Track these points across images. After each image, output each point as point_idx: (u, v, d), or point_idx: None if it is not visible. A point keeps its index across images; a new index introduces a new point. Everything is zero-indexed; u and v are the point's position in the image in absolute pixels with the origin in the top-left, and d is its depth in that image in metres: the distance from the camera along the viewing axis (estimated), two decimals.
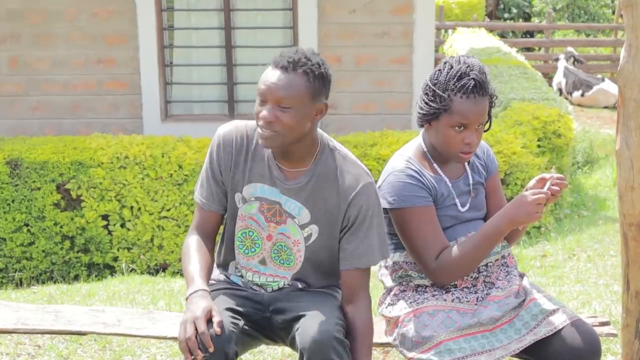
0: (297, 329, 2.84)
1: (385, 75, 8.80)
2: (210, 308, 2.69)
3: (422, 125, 3.04)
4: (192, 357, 2.63)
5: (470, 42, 12.96)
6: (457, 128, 2.91)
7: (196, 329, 2.62)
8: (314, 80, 2.83)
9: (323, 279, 3.11)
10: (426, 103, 2.94)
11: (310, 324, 2.77)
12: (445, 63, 2.94)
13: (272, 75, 2.84)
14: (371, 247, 2.95)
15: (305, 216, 2.99)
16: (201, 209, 3.06)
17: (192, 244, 2.98)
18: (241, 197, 3.02)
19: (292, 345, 2.98)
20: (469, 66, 2.89)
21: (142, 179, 7.86)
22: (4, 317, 3.47)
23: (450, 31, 16.43)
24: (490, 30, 16.62)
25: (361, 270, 2.97)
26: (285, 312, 2.99)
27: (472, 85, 2.87)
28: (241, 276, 3.12)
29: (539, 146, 8.20)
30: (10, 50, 8.92)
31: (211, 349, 2.61)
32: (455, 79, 2.87)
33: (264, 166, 3.00)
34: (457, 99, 2.87)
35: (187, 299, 2.76)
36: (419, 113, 2.98)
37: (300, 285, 3.09)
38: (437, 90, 2.90)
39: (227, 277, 3.17)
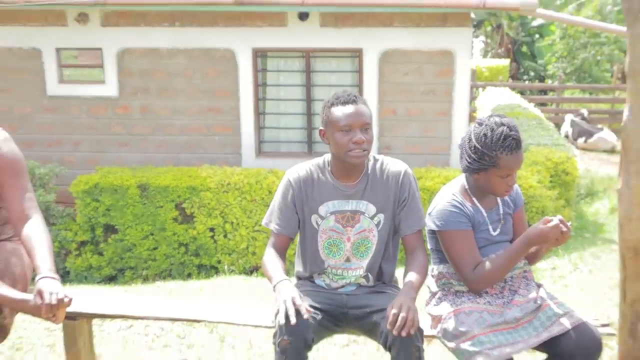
0: (383, 318, 2.82)
1: (429, 124, 8.78)
2: (297, 293, 2.73)
3: (468, 174, 3.04)
4: (284, 322, 2.64)
5: (496, 99, 12.84)
6: (502, 178, 2.93)
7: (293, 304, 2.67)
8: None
9: (387, 266, 3.15)
10: (475, 160, 2.90)
11: None
12: (486, 126, 2.90)
13: (349, 108, 2.91)
14: (420, 215, 3.07)
15: (372, 209, 3.04)
16: (276, 234, 3.09)
17: (271, 254, 3.03)
18: (318, 216, 3.05)
19: (369, 332, 3.00)
20: (508, 127, 2.86)
21: (241, 201, 7.94)
22: (139, 307, 3.55)
23: (481, 89, 16.32)
24: (513, 89, 16.44)
25: (418, 232, 3.06)
26: (363, 307, 3.00)
27: (514, 144, 2.86)
28: (323, 279, 3.14)
29: (550, 181, 8.11)
30: (141, 100, 9.13)
31: (306, 315, 2.65)
32: (500, 141, 2.84)
33: (330, 188, 3.04)
34: (504, 156, 2.85)
35: (275, 286, 2.79)
36: (469, 167, 2.95)
37: (370, 277, 3.11)
38: (485, 152, 2.86)
39: (311, 280, 3.18)
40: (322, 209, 3.04)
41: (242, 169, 8.28)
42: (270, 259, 2.99)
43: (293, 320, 2.62)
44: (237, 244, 7.93)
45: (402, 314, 2.64)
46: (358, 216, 3.04)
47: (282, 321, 2.63)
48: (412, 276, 2.90)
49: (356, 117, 2.90)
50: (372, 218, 3.04)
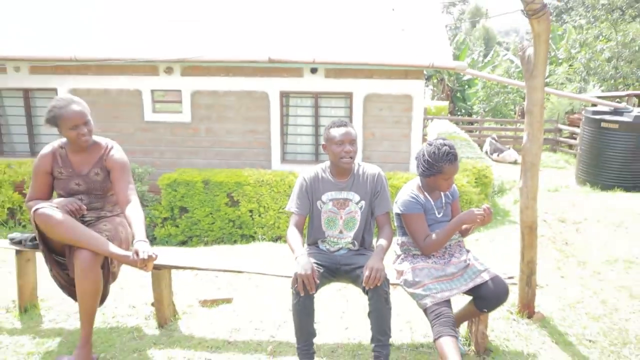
0: (361, 272, 2.81)
1: (396, 143, 8.74)
2: (312, 264, 2.70)
3: (422, 177, 3.02)
4: (303, 293, 2.62)
5: (440, 128, 12.88)
6: (445, 180, 2.91)
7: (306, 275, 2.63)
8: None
9: (367, 236, 3.10)
10: (427, 169, 2.90)
11: None
12: (434, 145, 2.90)
13: (342, 129, 2.90)
14: (387, 201, 3.03)
15: (357, 197, 3.01)
16: (295, 214, 3.02)
17: (294, 231, 2.96)
18: (321, 202, 3.03)
19: (354, 281, 2.96)
20: (449, 146, 2.86)
21: (270, 192, 7.91)
22: (202, 262, 3.54)
23: (430, 121, 16.28)
24: (451, 121, 16.44)
25: (386, 213, 3.01)
26: (350, 264, 2.99)
27: (453, 158, 2.86)
28: (325, 245, 3.12)
29: (475, 182, 8.08)
30: (206, 124, 9.09)
31: (314, 291, 2.63)
32: (444, 156, 2.84)
33: (329, 183, 3.02)
34: (446, 166, 2.85)
35: (296, 258, 2.74)
36: (423, 172, 2.93)
37: (356, 244, 3.07)
38: (434, 163, 2.87)
39: (316, 246, 3.16)
40: (324, 197, 3.03)
41: (272, 171, 8.24)
42: (293, 235, 2.93)
43: (310, 292, 2.61)
44: (267, 221, 7.90)
45: (372, 276, 2.64)
46: (348, 202, 3.02)
47: (302, 293, 2.61)
48: (382, 242, 2.88)
49: (346, 135, 2.89)
50: (357, 203, 3.02)
